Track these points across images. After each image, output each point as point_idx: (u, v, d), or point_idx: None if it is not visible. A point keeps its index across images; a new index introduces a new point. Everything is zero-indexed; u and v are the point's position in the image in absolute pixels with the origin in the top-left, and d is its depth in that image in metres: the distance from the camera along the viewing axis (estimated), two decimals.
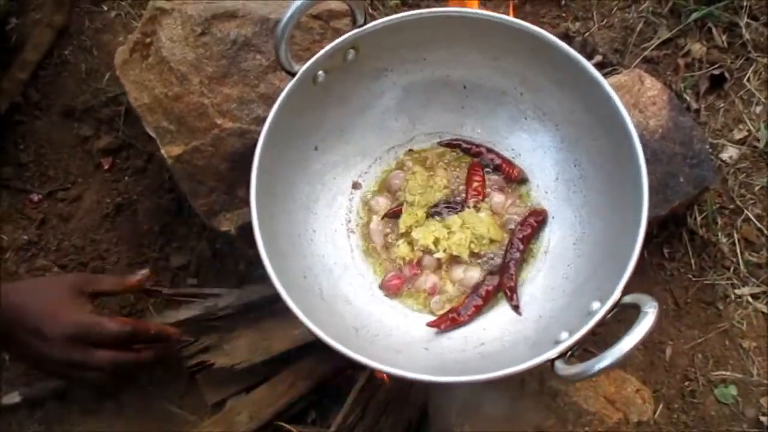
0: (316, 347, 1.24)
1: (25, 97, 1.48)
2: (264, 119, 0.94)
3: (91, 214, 1.45)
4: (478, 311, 1.01)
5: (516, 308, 1.00)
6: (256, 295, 1.27)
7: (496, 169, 1.09)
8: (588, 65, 0.93)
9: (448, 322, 0.99)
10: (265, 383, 1.27)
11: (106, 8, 1.52)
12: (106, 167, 1.47)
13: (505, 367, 0.83)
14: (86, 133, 1.48)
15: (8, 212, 1.44)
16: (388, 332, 1.00)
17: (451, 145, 1.12)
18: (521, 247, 1.03)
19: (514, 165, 1.09)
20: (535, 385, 1.01)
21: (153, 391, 1.35)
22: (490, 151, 1.10)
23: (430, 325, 1.00)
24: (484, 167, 1.09)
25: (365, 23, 0.97)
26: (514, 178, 1.08)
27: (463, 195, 1.08)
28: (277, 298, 1.27)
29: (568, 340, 0.83)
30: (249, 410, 1.25)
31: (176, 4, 1.11)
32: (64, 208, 1.46)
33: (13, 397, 1.27)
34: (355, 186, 1.11)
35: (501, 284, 1.02)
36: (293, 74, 0.95)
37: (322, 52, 0.95)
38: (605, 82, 0.92)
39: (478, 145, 1.10)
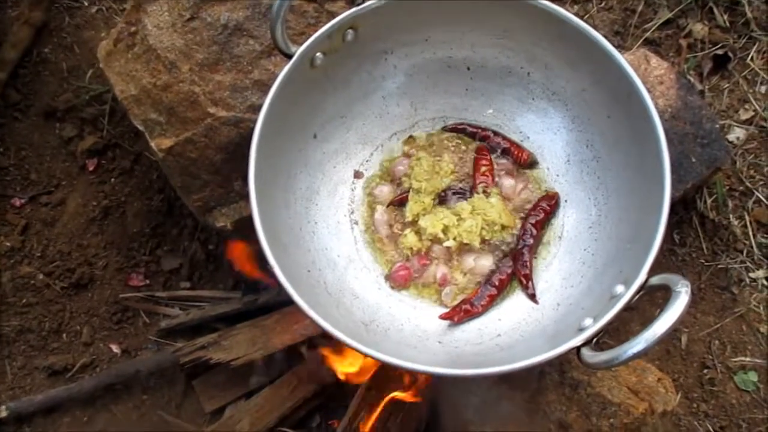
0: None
1: (4, 97, 1.41)
2: (259, 107, 0.89)
3: (77, 218, 1.39)
4: (492, 301, 0.96)
5: (532, 297, 0.95)
6: (261, 300, 1.23)
7: (504, 152, 1.04)
8: (603, 40, 0.89)
9: (462, 313, 0.94)
10: (266, 388, 1.22)
11: (86, 3, 1.46)
12: (91, 169, 1.41)
13: (524, 358, 0.78)
14: (69, 133, 1.42)
15: None
16: (399, 326, 0.94)
17: (456, 129, 1.06)
18: (534, 232, 0.98)
19: (522, 148, 1.04)
20: (555, 377, 0.96)
21: (148, 401, 1.29)
22: (496, 134, 1.05)
23: (443, 317, 0.95)
24: (492, 151, 1.04)
25: (364, 1, 0.92)
26: (523, 162, 1.03)
27: (471, 180, 1.03)
28: (281, 302, 1.24)
29: (593, 327, 0.78)
30: (250, 417, 1.19)
31: None
32: (48, 213, 1.39)
33: (0, 412, 1.20)
34: (357, 175, 1.05)
35: (515, 272, 0.97)
36: (290, 56, 0.89)
37: (320, 31, 0.90)
38: (621, 58, 0.88)
39: (484, 129, 1.05)
